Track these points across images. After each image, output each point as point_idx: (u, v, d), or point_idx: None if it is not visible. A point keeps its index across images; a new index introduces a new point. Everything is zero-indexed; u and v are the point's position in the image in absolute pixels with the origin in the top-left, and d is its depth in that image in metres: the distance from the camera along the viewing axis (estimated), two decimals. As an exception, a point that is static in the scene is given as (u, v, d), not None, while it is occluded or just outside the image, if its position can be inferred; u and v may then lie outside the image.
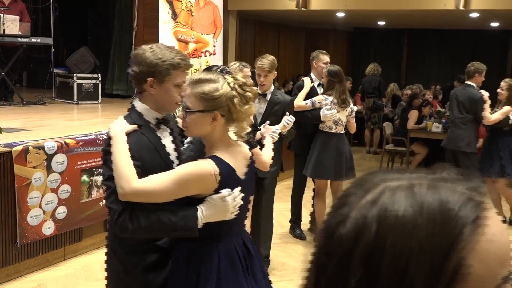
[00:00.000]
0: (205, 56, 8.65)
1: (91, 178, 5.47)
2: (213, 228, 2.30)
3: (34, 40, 8.94)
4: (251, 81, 2.41)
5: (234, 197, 2.27)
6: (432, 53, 15.15)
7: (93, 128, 6.16)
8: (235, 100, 2.22)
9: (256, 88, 2.48)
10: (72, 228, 5.33)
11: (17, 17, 8.54)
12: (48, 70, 9.29)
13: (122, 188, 2.17)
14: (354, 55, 16.07)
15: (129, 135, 2.32)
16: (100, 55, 10.04)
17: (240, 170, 2.37)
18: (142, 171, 2.23)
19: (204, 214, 2.23)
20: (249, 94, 2.28)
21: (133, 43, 10.59)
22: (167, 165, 2.39)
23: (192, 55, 8.45)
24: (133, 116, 2.41)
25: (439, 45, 15.05)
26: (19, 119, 6.89)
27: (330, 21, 13.61)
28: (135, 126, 2.36)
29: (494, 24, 13.09)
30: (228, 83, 2.24)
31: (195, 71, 8.43)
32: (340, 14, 11.90)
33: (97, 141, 5.50)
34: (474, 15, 10.75)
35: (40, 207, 4.97)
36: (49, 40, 9.03)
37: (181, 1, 8.30)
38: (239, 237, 2.44)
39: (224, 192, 2.24)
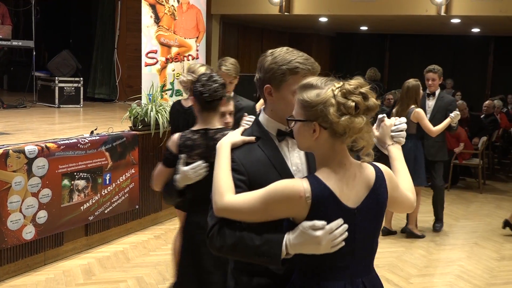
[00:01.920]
0: (188, 60, 8.64)
1: (72, 182, 5.43)
2: (312, 261, 1.97)
3: (15, 43, 8.88)
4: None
5: (330, 229, 1.90)
6: (414, 58, 15.26)
7: (74, 132, 6.12)
8: (330, 109, 1.87)
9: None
10: (52, 232, 5.29)
11: (-2, 20, 8.47)
12: (29, 74, 9.22)
13: (215, 203, 2.02)
14: (336, 59, 16.16)
15: (239, 147, 2.12)
16: (82, 58, 9.99)
17: (351, 197, 1.97)
18: (251, 187, 2.02)
19: (291, 243, 1.93)
20: (351, 103, 1.88)
21: (115, 47, 10.56)
22: None
23: (175, 59, 8.43)
24: (253, 127, 2.22)
25: (420, 50, 15.18)
26: (0, 122, 6.83)
27: (313, 25, 13.67)
28: (249, 138, 2.15)
29: (475, 30, 13.22)
30: (332, 90, 1.91)
31: (177, 75, 8.41)
32: (323, 19, 11.96)
33: (79, 145, 5.47)
34: (455, 21, 10.85)
35: (20, 211, 4.92)
36: (30, 43, 8.97)
37: (164, 5, 8.28)
38: (356, 278, 2.06)
39: (318, 222, 1.89)
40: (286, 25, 13.90)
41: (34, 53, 9.17)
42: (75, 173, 5.45)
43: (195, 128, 3.29)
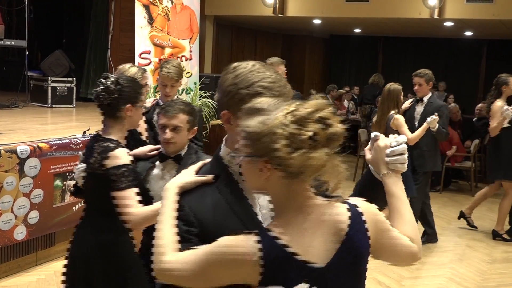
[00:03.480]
0: (182, 61, 8.63)
1: (64, 182, 5.42)
2: None
3: (8, 42, 8.83)
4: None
5: None
6: (407, 60, 15.31)
7: (67, 132, 6.10)
8: (279, 143, 1.42)
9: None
10: (44, 233, 5.27)
11: (-9, 19, 8.44)
12: (22, 73, 9.18)
13: (153, 265, 1.61)
14: (330, 61, 16.19)
15: (191, 190, 1.67)
16: (75, 58, 9.97)
17: (317, 251, 1.51)
18: (206, 241, 1.55)
19: None
20: (305, 134, 1.43)
21: (109, 47, 10.54)
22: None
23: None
24: (212, 162, 1.75)
25: (413, 53, 15.23)
26: (-8, 122, 6.80)
27: (306, 27, 13.69)
28: (205, 178, 1.69)
29: (468, 33, 13.28)
30: (282, 117, 1.45)
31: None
32: (317, 21, 11.97)
33: (71, 145, 5.45)
34: (448, 24, 10.89)
35: (12, 211, 4.90)
36: (23, 43, 8.93)
37: (157, 6, 8.27)
38: None
39: None
40: (280, 27, 13.91)
41: (27, 52, 9.13)
42: (67, 174, 5.43)
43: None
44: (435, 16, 9.49)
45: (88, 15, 10.85)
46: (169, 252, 1.59)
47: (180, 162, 3.08)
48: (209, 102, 8.24)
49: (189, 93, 8.48)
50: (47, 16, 11.89)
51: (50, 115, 8.17)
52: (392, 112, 6.00)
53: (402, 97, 6.14)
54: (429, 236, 6.56)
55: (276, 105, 1.50)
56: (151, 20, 8.21)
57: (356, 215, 1.57)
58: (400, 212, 1.72)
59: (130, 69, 4.16)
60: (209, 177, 1.69)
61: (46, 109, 8.81)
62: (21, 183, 4.96)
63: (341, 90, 13.39)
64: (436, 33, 13.56)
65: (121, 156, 2.77)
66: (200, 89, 8.63)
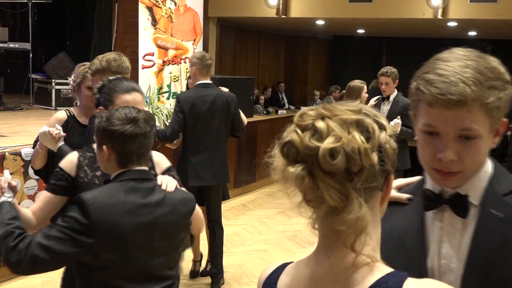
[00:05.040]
0: (185, 62, 8.64)
1: (69, 184, 5.42)
2: None
3: (12, 45, 8.87)
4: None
5: None
6: (411, 61, 15.28)
7: (71, 134, 6.11)
8: None
9: None
10: (49, 235, 5.27)
11: (-5, 22, 8.47)
12: (26, 76, 9.22)
13: None
14: (333, 62, 16.17)
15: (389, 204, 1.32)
16: (79, 60, 9.91)
17: None
18: None
19: None
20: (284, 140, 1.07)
21: (112, 49, 10.55)
22: None
23: (172, 61, 8.43)
24: (419, 180, 1.52)
25: (417, 53, 15.20)
26: (-4, 125, 6.82)
27: (310, 28, 13.69)
28: (397, 195, 1.45)
29: (472, 33, 13.26)
30: None
31: (174, 78, 8.41)
32: (320, 22, 11.97)
33: (75, 147, 5.45)
34: (452, 24, 10.88)
35: (17, 214, 4.90)
36: (27, 45, 8.97)
37: (161, 8, 8.29)
38: None
39: None
40: (283, 28, 13.91)
41: (31, 55, 9.16)
42: (71, 176, 5.43)
43: None
44: (439, 16, 9.48)
45: (91, 17, 10.86)
46: None
47: None
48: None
49: (192, 95, 8.49)
50: (50, 18, 11.92)
51: (54, 118, 8.18)
52: None
53: (364, 94, 6.03)
54: None
55: None
56: (154, 22, 8.22)
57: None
58: None
59: (82, 67, 3.91)
60: (402, 196, 1.40)
61: (50, 111, 8.83)
62: (26, 185, 4.97)
63: (344, 91, 13.39)
64: (439, 34, 13.54)
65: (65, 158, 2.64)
66: (204, 91, 8.63)
